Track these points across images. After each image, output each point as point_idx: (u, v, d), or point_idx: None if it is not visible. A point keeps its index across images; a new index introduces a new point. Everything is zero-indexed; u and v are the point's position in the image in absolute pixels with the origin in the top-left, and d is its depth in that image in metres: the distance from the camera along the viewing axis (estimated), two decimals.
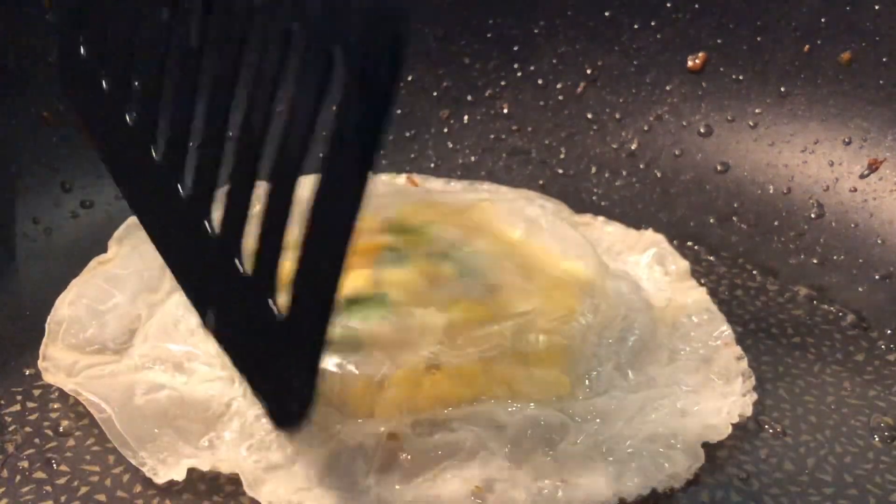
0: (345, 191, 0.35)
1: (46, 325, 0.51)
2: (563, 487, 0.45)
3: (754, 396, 0.50)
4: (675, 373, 0.51)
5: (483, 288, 0.50)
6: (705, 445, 0.48)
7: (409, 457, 0.45)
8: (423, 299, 0.49)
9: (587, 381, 0.49)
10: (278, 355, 0.39)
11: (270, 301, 0.38)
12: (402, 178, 0.62)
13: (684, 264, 0.58)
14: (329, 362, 0.46)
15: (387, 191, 0.59)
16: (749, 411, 0.50)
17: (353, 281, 0.48)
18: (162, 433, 0.47)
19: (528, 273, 0.52)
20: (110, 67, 0.46)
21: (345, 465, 0.45)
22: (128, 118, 0.46)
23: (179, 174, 0.43)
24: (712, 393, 0.50)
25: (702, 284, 0.57)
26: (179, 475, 0.45)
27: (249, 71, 0.39)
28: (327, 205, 0.35)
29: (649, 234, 0.60)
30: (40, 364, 0.50)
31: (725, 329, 0.54)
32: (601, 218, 0.61)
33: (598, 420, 0.48)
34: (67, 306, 0.52)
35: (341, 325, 0.47)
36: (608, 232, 0.60)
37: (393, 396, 0.46)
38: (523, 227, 0.55)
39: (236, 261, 0.40)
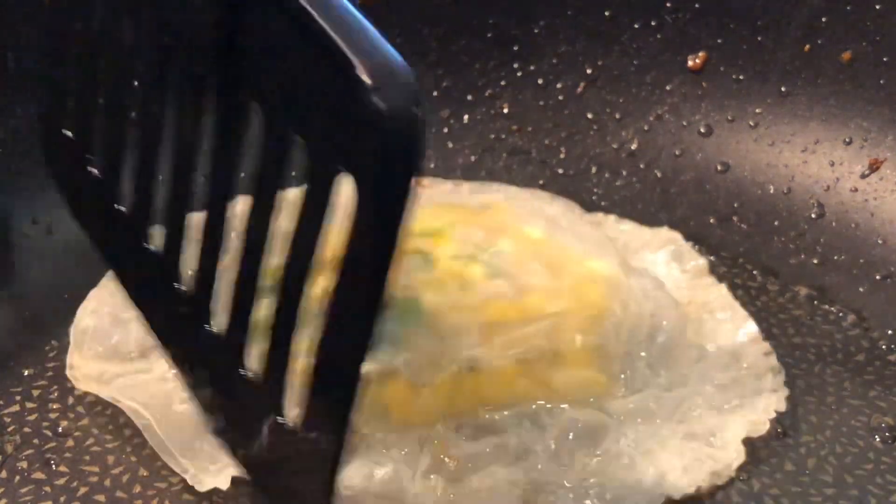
0: (357, 314, 0.33)
1: (71, 335, 0.51)
2: (609, 489, 0.45)
3: (786, 392, 0.51)
4: (706, 370, 0.51)
5: (512, 289, 0.50)
6: (745, 442, 0.48)
7: (454, 461, 0.45)
8: (454, 303, 0.49)
9: (623, 380, 0.49)
10: (290, 467, 0.37)
11: (280, 411, 0.37)
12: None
13: (702, 261, 0.58)
14: (367, 369, 0.46)
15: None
16: (784, 406, 0.50)
17: None
18: (203, 441, 0.46)
19: (554, 272, 0.52)
20: (99, 156, 0.44)
21: (389, 472, 0.45)
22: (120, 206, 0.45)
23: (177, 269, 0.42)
24: (744, 389, 0.51)
25: None
26: (223, 483, 0.45)
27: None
28: (340, 326, 0.34)
29: (664, 232, 0.60)
30: (69, 373, 0.49)
31: (751, 325, 0.54)
32: (612, 216, 0.61)
33: (637, 419, 0.48)
34: (90, 315, 0.52)
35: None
36: (622, 230, 0.60)
37: (434, 400, 0.46)
38: (543, 225, 0.55)
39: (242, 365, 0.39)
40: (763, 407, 0.50)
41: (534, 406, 0.47)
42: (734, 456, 0.47)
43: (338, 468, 0.35)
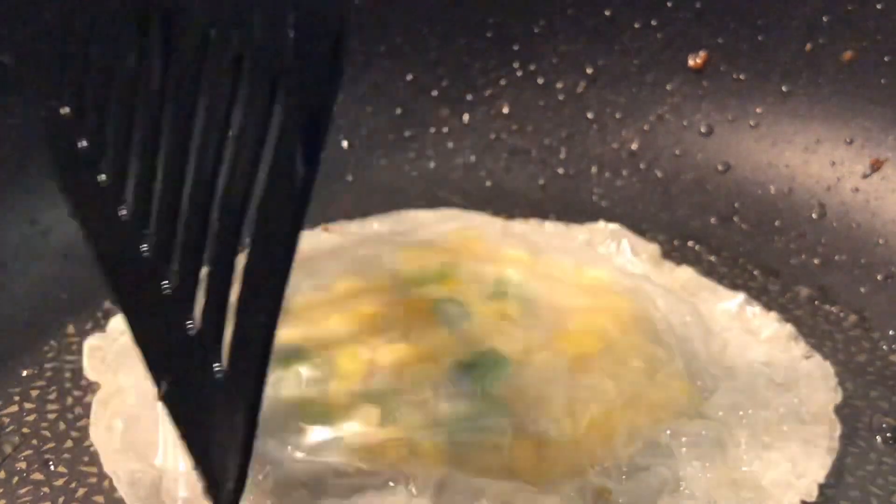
0: (279, 237, 0.33)
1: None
2: (765, 494, 0.45)
3: (817, 355, 0.51)
4: (741, 353, 0.51)
5: (556, 317, 0.49)
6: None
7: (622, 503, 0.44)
8: (525, 346, 0.47)
9: (699, 385, 0.49)
10: (217, 418, 0.37)
11: (214, 362, 0.37)
12: (317, 231, 0.58)
13: (653, 246, 0.58)
14: (503, 431, 0.44)
15: (332, 245, 0.56)
16: (832, 370, 0.51)
17: (451, 345, 0.47)
18: None
19: (573, 290, 0.51)
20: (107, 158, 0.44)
21: None
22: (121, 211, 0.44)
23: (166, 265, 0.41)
24: (787, 362, 0.51)
25: None
26: None
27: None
28: (262, 255, 0.34)
29: (601, 225, 0.59)
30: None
31: (738, 297, 0.54)
32: (534, 220, 0.60)
33: (737, 414, 0.48)
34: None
35: (472, 392, 0.45)
36: (553, 232, 0.59)
37: (570, 452, 0.45)
38: (525, 247, 0.54)
39: (188, 322, 0.39)
40: (822, 375, 0.50)
41: (651, 431, 0.46)
42: (833, 426, 0.48)
43: (256, 423, 0.35)
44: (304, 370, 0.45)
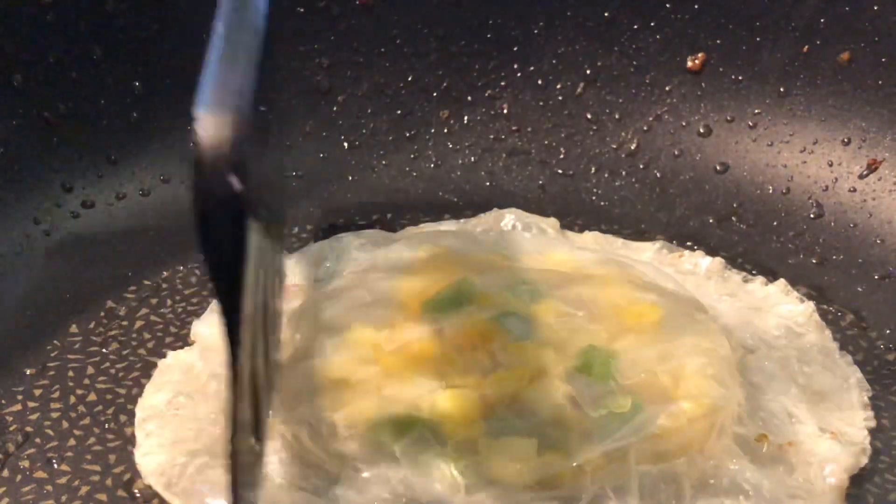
0: None
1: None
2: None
3: (828, 332, 0.54)
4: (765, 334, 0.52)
5: (595, 301, 0.48)
6: None
7: None
8: (605, 335, 0.46)
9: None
10: None
11: None
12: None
13: (553, 220, 0.58)
14: (654, 417, 0.44)
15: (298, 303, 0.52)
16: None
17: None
18: None
19: (578, 277, 0.51)
20: None
21: None
22: None
23: None
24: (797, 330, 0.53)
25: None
26: None
27: None
28: None
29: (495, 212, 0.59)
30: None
31: (716, 260, 0.56)
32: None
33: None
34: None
35: (609, 392, 0.44)
36: (473, 228, 0.59)
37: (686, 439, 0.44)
38: (488, 249, 0.53)
39: None
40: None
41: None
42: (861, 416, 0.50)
43: None
44: (420, 434, 0.43)
